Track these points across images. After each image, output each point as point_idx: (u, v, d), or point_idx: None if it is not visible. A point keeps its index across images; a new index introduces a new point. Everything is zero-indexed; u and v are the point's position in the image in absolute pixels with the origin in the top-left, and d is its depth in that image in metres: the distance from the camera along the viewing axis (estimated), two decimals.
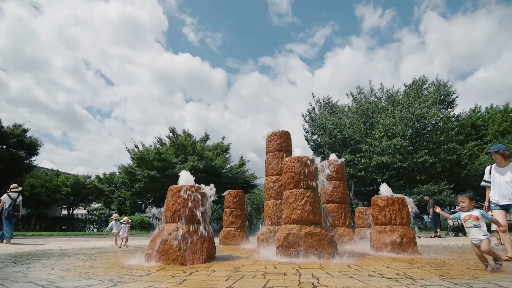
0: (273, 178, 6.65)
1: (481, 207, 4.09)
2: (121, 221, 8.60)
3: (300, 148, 4.97)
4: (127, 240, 8.28)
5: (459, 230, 12.98)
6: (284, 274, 2.93)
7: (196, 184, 4.43)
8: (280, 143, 6.82)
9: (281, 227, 4.61)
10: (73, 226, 30.12)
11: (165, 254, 3.86)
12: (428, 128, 19.06)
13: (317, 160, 4.76)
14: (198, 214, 4.15)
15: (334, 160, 7.12)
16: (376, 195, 5.51)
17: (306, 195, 4.45)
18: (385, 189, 5.57)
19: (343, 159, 7.32)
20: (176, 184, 4.47)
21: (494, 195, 4.47)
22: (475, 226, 3.07)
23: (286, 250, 4.22)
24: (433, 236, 11.99)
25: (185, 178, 4.62)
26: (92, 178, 35.88)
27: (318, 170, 4.77)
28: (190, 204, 4.11)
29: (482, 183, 4.76)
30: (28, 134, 24.50)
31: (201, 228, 4.14)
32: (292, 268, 3.29)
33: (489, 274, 2.90)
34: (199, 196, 4.22)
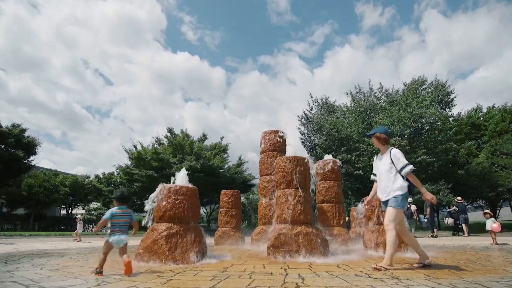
0: (267, 178, 6.64)
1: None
2: (76, 217, 9.98)
3: (291, 147, 4.95)
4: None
5: (459, 229, 13.02)
6: (271, 274, 2.92)
7: (188, 185, 4.42)
8: (275, 142, 6.81)
9: (272, 227, 4.60)
10: (72, 226, 30.13)
11: (155, 254, 3.86)
12: (426, 128, 19.06)
13: (309, 160, 4.76)
14: (189, 214, 4.15)
15: (329, 160, 7.10)
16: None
17: (297, 194, 4.45)
18: None
19: (331, 158, 7.16)
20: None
21: (377, 190, 3.65)
22: None
23: (277, 249, 4.21)
24: (430, 236, 12.00)
25: (180, 177, 4.61)
26: (91, 178, 35.88)
27: (310, 170, 4.77)
28: (180, 204, 4.11)
29: (371, 177, 3.92)
30: (27, 134, 24.51)
31: (192, 228, 4.14)
32: (281, 268, 3.28)
33: (477, 275, 2.89)
34: (190, 196, 4.21)
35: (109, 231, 3.09)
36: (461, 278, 2.66)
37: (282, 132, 6.99)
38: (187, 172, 4.79)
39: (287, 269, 3.23)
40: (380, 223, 5.09)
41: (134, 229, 3.38)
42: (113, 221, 3.04)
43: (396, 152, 3.46)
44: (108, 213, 3.06)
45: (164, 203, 4.14)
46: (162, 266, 3.60)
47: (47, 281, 2.65)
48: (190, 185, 4.42)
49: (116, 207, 3.14)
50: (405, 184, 3.35)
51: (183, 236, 3.99)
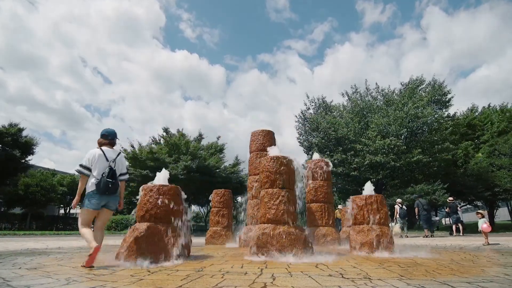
0: (255, 177, 6.63)
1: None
2: None
3: (276, 148, 4.94)
4: None
5: (456, 229, 13.05)
6: (245, 273, 2.91)
7: (171, 184, 4.42)
8: (263, 142, 6.80)
9: (256, 226, 4.59)
10: (69, 225, 30.16)
11: (135, 254, 3.84)
12: (423, 128, 19.03)
13: (295, 160, 4.74)
14: (171, 213, 4.14)
15: (319, 159, 7.09)
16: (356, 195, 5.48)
17: (281, 194, 4.43)
18: (368, 189, 5.53)
19: (318, 157, 7.16)
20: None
21: None
22: None
23: (259, 249, 4.20)
24: (426, 236, 12.00)
25: (162, 177, 4.61)
26: None
27: (295, 169, 4.75)
28: (162, 203, 4.10)
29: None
30: (24, 133, 24.49)
31: (173, 228, 4.12)
32: (258, 268, 3.27)
33: (453, 275, 2.88)
34: (172, 196, 4.20)
35: None
36: (434, 279, 2.65)
37: (272, 132, 6.98)
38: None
39: (263, 269, 3.21)
40: (359, 223, 5.09)
41: None
42: None
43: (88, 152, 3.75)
44: None
45: (145, 202, 4.13)
46: (140, 266, 3.58)
47: (18, 280, 2.64)
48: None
49: None
50: (90, 183, 3.62)
51: (164, 236, 3.98)
